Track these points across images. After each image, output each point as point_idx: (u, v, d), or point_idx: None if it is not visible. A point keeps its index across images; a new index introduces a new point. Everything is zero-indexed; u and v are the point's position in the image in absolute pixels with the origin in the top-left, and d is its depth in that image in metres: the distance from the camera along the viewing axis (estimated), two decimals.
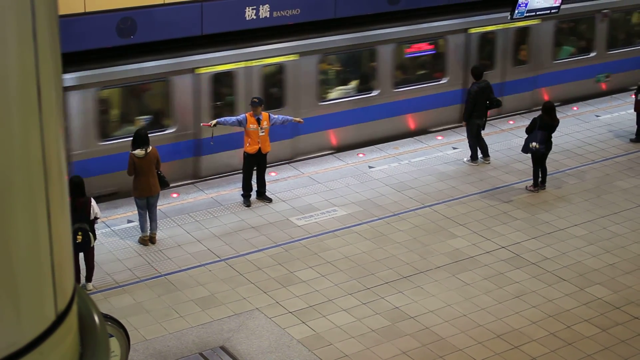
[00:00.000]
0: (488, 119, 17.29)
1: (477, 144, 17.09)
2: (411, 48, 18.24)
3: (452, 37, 18.50)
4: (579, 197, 15.91)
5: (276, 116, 15.29)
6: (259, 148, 15.00)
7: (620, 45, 21.60)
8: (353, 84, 17.77)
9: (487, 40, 19.08)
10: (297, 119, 15.67)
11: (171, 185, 14.94)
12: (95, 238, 12.53)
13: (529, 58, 19.77)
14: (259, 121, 14.93)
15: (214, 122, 15.09)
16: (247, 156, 15.11)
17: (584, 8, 20.38)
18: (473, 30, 18.71)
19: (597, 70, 21.12)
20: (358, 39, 17.29)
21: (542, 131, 15.63)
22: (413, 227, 14.62)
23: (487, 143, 17.26)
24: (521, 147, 16.22)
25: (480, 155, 17.19)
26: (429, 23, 18.11)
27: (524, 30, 19.46)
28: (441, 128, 18.80)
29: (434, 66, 18.78)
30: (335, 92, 17.58)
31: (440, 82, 18.67)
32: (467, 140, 17.31)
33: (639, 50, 22.00)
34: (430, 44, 18.49)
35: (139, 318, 11.94)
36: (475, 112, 16.86)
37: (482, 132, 17.21)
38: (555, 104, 17.96)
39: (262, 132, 14.97)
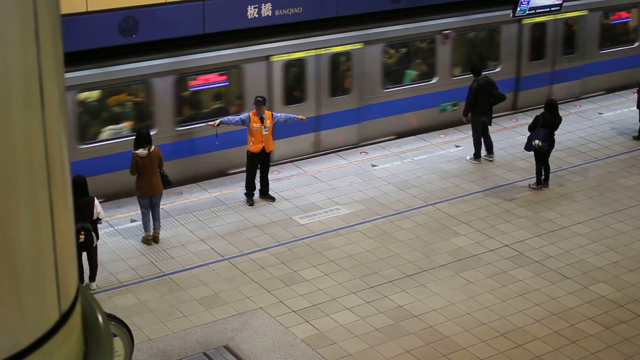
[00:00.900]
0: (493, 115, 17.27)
1: (481, 141, 17.08)
2: (197, 80, 15.68)
3: (249, 66, 15.99)
4: (582, 194, 15.90)
5: (279, 114, 15.32)
6: (263, 147, 15.01)
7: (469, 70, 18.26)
8: (126, 122, 15.30)
9: (296, 68, 16.62)
10: (300, 116, 15.67)
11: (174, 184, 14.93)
12: (97, 237, 12.55)
13: (353, 87, 17.33)
14: (262, 120, 14.94)
15: (217, 121, 15.11)
16: (251, 155, 15.11)
17: (422, 28, 17.88)
18: (276, 58, 16.30)
19: (441, 98, 18.53)
20: (126, 72, 14.82)
21: (544, 129, 15.63)
22: (416, 225, 14.61)
23: (492, 140, 17.25)
24: (524, 144, 16.21)
25: (484, 152, 17.18)
26: (215, 52, 15.62)
27: (344, 56, 17.09)
28: (237, 170, 16.25)
29: (229, 100, 16.31)
30: (105, 133, 15.08)
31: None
32: (470, 138, 17.31)
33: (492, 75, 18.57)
34: (221, 75, 15.97)
35: (142, 317, 11.95)
36: (479, 109, 16.85)
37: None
38: (388, 138, 17.32)
39: (266, 130, 14.98)
